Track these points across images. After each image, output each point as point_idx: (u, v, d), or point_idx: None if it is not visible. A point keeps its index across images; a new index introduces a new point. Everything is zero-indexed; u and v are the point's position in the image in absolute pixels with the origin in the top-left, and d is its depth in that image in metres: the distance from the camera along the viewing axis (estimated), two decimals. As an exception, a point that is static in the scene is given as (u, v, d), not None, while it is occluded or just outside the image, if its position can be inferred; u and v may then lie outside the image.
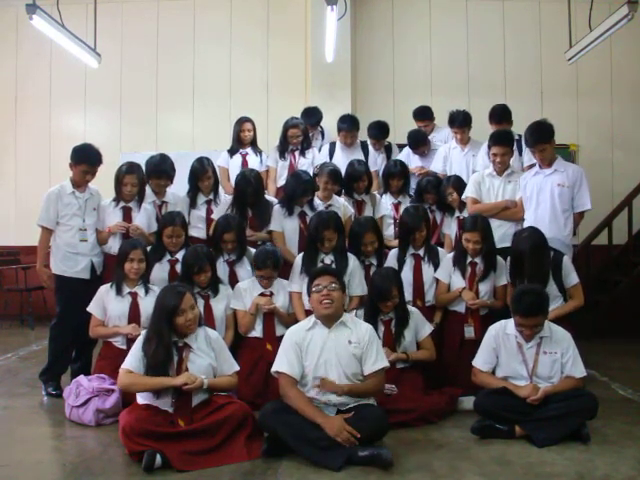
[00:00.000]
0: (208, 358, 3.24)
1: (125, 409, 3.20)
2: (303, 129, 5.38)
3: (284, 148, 5.40)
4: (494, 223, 4.45)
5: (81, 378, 3.75)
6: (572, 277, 4.07)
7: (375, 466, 2.88)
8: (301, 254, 4.31)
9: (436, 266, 4.34)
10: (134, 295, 3.97)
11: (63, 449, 3.29)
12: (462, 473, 2.87)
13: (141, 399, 3.15)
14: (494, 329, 3.59)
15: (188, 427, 3.03)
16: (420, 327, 3.92)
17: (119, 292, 3.97)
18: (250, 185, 4.60)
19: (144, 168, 4.59)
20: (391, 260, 4.40)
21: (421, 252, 4.38)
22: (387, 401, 3.48)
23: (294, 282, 4.20)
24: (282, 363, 3.18)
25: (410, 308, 3.96)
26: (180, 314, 3.14)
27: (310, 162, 5.36)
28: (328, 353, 3.18)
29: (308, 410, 3.05)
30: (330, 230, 4.15)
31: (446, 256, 4.35)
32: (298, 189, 4.57)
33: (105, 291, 4.00)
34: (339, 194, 4.86)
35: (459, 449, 3.17)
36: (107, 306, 3.96)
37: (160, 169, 4.63)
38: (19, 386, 4.41)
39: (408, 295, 4.16)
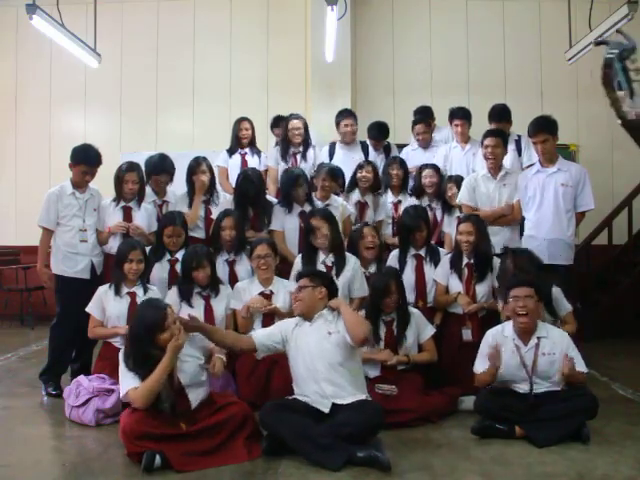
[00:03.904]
0: (196, 360, 3.23)
1: (125, 410, 3.18)
2: (304, 123, 5.34)
3: (285, 151, 5.32)
4: (492, 229, 4.46)
5: (81, 378, 3.75)
6: (564, 306, 3.87)
7: (374, 467, 2.88)
8: (301, 254, 4.30)
9: (437, 266, 4.34)
10: (133, 295, 3.95)
11: (63, 449, 3.29)
12: (462, 473, 2.87)
13: None
14: (491, 334, 3.57)
15: (189, 429, 3.02)
16: (422, 329, 3.91)
17: (117, 292, 3.96)
18: (252, 185, 4.61)
19: (144, 168, 4.59)
20: (392, 261, 4.39)
21: (422, 252, 4.37)
22: (387, 401, 3.48)
23: (294, 282, 4.19)
24: (257, 331, 3.49)
25: (411, 309, 3.95)
26: (165, 330, 3.07)
27: (311, 165, 5.32)
28: (311, 346, 3.25)
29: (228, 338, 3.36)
30: (316, 217, 4.15)
31: (444, 257, 4.34)
32: (289, 181, 4.60)
33: (104, 291, 3.99)
34: (338, 194, 4.87)
35: (459, 449, 3.17)
36: (106, 306, 3.95)
37: (160, 166, 4.65)
38: (19, 386, 4.41)
39: (410, 297, 4.17)
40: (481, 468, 2.91)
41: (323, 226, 4.14)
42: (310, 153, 5.36)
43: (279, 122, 5.74)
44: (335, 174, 4.75)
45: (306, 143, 5.33)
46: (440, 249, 4.50)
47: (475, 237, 4.13)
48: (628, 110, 1.44)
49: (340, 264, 4.13)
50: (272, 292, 4.13)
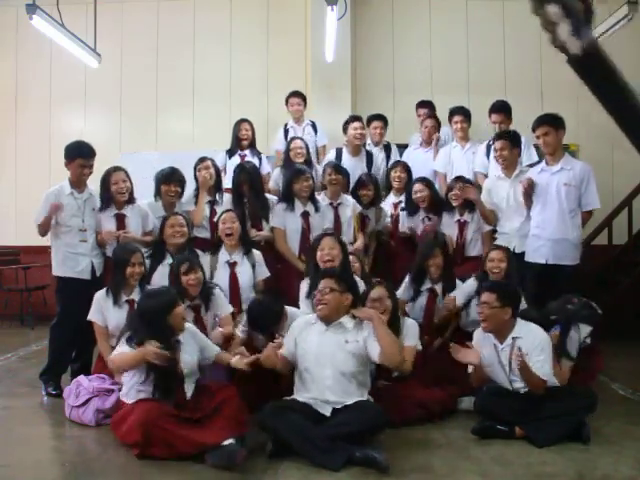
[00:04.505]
0: (194, 354, 3.33)
1: (120, 411, 3.23)
2: (306, 144, 5.32)
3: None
4: (514, 224, 4.51)
5: (81, 378, 3.75)
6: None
7: (372, 467, 2.87)
8: (306, 280, 4.01)
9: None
10: (132, 303, 3.84)
11: (63, 449, 3.29)
12: (462, 473, 2.87)
13: (141, 395, 3.18)
14: (477, 335, 3.63)
15: (195, 416, 3.09)
16: (408, 336, 3.66)
17: (116, 301, 3.85)
18: (249, 176, 4.65)
19: (155, 182, 4.66)
20: (405, 287, 4.25)
21: (438, 287, 4.20)
22: (388, 390, 3.48)
23: (302, 306, 3.97)
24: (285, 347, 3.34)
25: (408, 320, 3.80)
26: (178, 305, 3.26)
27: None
28: (323, 350, 3.21)
29: None
30: (327, 237, 3.98)
31: (468, 281, 4.19)
32: (291, 174, 4.64)
33: (102, 298, 3.89)
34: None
35: (459, 449, 3.17)
36: (105, 314, 3.87)
37: (169, 174, 4.63)
38: (19, 386, 4.40)
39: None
40: (481, 468, 2.91)
41: (335, 247, 3.90)
42: (312, 172, 5.25)
43: (297, 94, 5.89)
44: (340, 168, 4.77)
45: (308, 164, 5.23)
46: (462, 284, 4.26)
47: (506, 262, 4.07)
48: (567, 39, 0.78)
49: None
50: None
